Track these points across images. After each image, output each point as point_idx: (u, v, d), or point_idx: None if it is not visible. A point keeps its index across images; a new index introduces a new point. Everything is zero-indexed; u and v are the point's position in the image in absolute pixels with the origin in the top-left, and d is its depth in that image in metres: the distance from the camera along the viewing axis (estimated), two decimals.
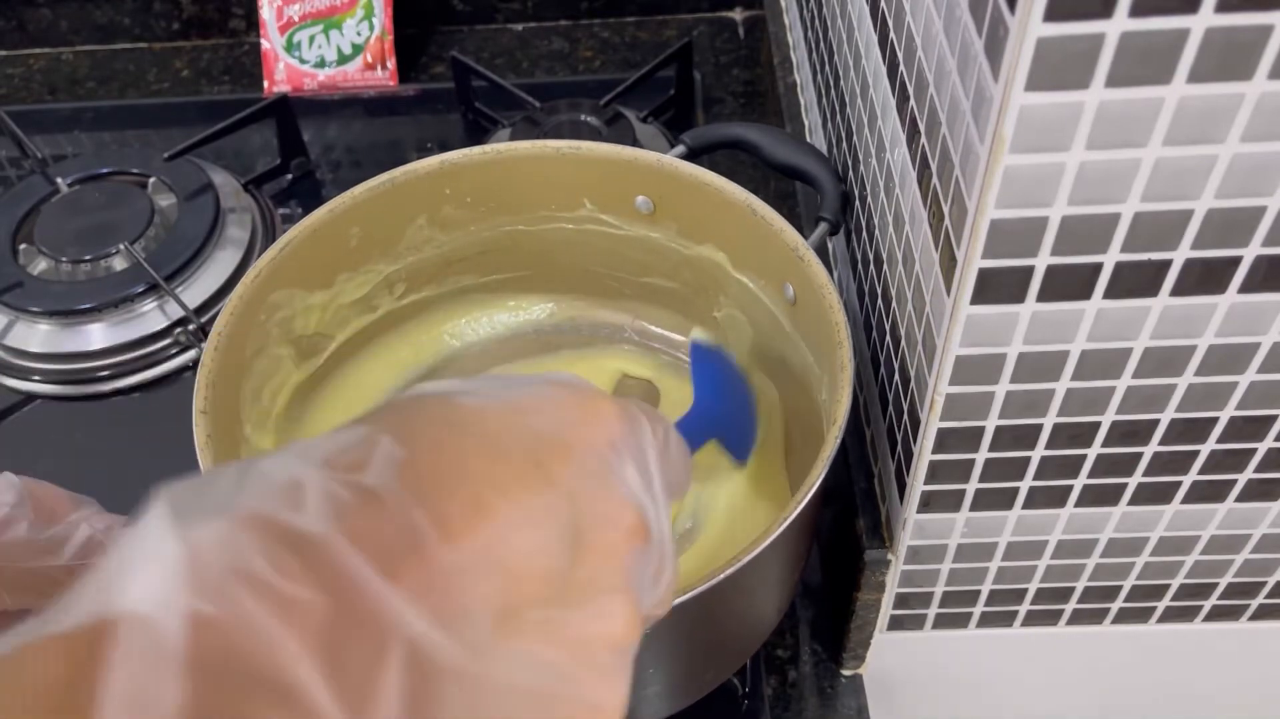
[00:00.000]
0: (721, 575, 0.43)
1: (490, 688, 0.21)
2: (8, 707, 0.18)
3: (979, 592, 0.55)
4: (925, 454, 0.46)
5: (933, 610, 0.57)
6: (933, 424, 0.44)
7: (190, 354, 0.75)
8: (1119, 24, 0.30)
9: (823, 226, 0.58)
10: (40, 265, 0.78)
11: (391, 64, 0.97)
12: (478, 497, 0.22)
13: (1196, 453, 0.46)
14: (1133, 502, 0.48)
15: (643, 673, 0.49)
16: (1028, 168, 0.34)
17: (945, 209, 0.40)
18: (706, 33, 1.02)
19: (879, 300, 0.54)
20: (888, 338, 0.52)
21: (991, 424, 0.44)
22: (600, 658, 0.25)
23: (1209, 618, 0.57)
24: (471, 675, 0.21)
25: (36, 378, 0.75)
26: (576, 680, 0.24)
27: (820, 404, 0.55)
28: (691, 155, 0.62)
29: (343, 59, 0.97)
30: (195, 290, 0.77)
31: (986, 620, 0.57)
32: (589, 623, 0.24)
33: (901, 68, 0.47)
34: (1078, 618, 0.57)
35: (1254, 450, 0.46)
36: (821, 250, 0.57)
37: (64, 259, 0.77)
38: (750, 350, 0.64)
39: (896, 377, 0.50)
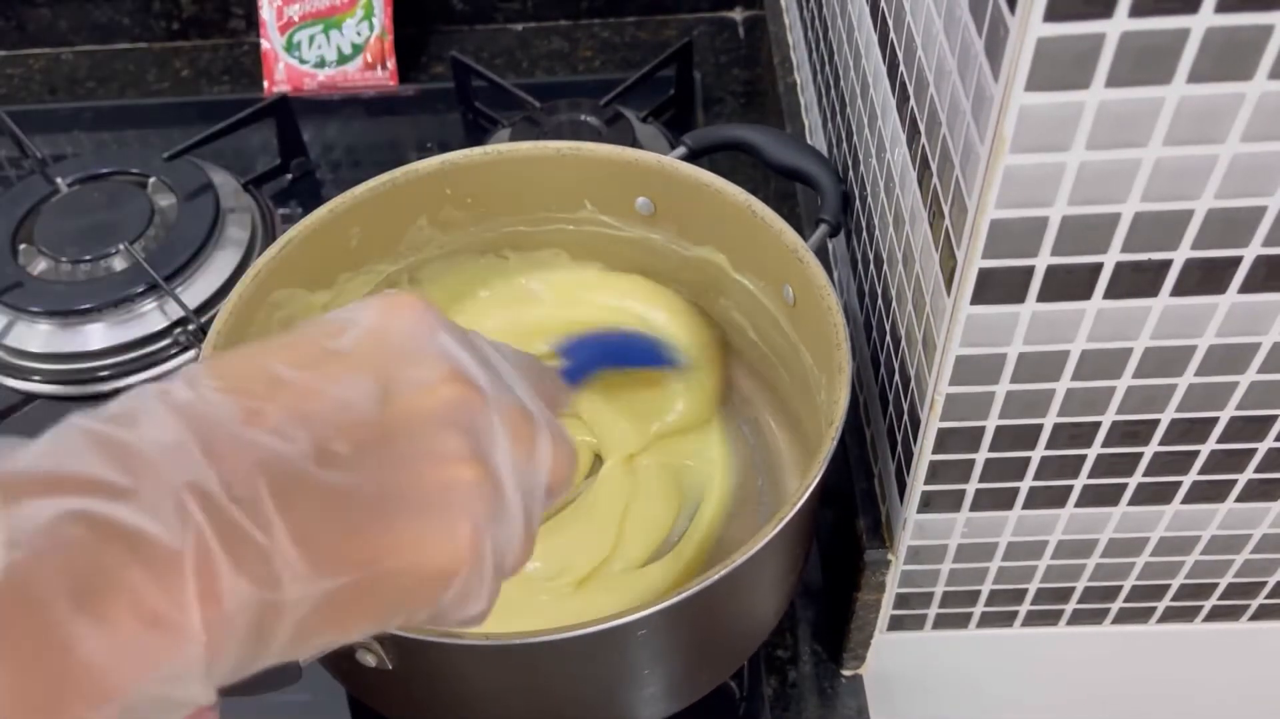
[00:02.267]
0: (715, 577, 0.43)
1: (331, 493, 0.26)
2: None
3: (979, 592, 0.55)
4: (925, 454, 0.46)
5: (933, 610, 0.57)
6: (933, 424, 0.44)
7: (190, 354, 0.75)
8: (1119, 24, 0.30)
9: (822, 228, 0.58)
10: (40, 265, 0.78)
11: (391, 64, 0.97)
12: (273, 376, 0.27)
13: (1197, 453, 0.46)
14: (1133, 502, 0.48)
15: (637, 674, 0.49)
16: (1028, 168, 0.34)
17: (945, 209, 0.40)
18: (706, 32, 1.02)
19: (879, 300, 0.54)
20: (888, 338, 0.52)
21: (991, 424, 0.44)
22: (432, 496, 0.27)
23: (1209, 618, 0.57)
24: (310, 479, 0.25)
25: (36, 378, 0.75)
26: (404, 500, 0.27)
27: (819, 405, 0.55)
28: (692, 156, 0.62)
29: (343, 59, 0.97)
30: (195, 290, 0.77)
31: (987, 620, 0.57)
32: (416, 457, 0.27)
33: (901, 68, 0.47)
34: (1078, 618, 0.57)
35: (1254, 450, 0.46)
36: (821, 251, 0.57)
37: (64, 259, 0.77)
38: (751, 352, 0.65)
39: (896, 376, 0.50)
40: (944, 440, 0.45)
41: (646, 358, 0.60)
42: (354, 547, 0.26)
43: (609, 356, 0.57)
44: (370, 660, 0.44)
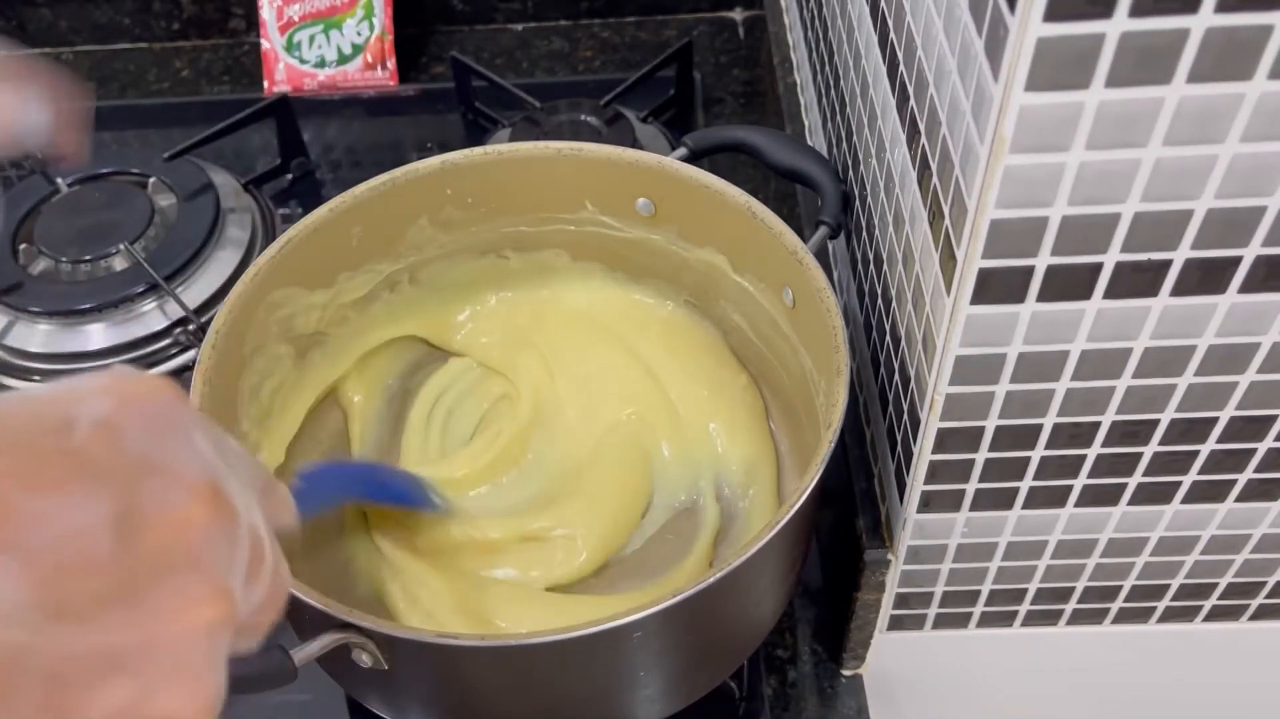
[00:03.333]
0: (710, 581, 0.43)
1: (58, 665, 0.20)
2: None
3: (979, 592, 0.55)
4: (925, 454, 0.46)
5: (933, 610, 0.57)
6: (932, 424, 0.44)
7: (190, 354, 0.75)
8: (1119, 24, 0.30)
9: (822, 230, 0.58)
10: (40, 265, 0.78)
11: (391, 64, 0.97)
12: None
13: (1196, 453, 0.46)
14: (1133, 502, 0.48)
15: (634, 675, 0.49)
16: (1028, 168, 0.34)
17: (945, 209, 0.40)
18: (706, 33, 1.02)
19: (879, 300, 0.54)
20: (888, 338, 0.52)
21: (991, 424, 0.44)
22: (178, 646, 0.23)
23: (1209, 618, 0.57)
24: (33, 654, 0.20)
25: (36, 378, 0.75)
26: (146, 670, 0.22)
27: (819, 408, 0.55)
28: (693, 158, 0.62)
29: (343, 59, 0.97)
30: (195, 290, 0.77)
31: (986, 620, 0.57)
32: (161, 605, 0.23)
33: (901, 67, 0.47)
34: (1078, 618, 0.57)
35: (1254, 450, 0.46)
36: (821, 253, 0.57)
37: (64, 259, 0.77)
38: (751, 354, 0.64)
39: (896, 376, 0.50)
40: (944, 440, 0.45)
41: (400, 496, 0.57)
42: None
43: (354, 487, 0.55)
44: (366, 661, 0.44)
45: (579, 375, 0.65)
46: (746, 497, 0.60)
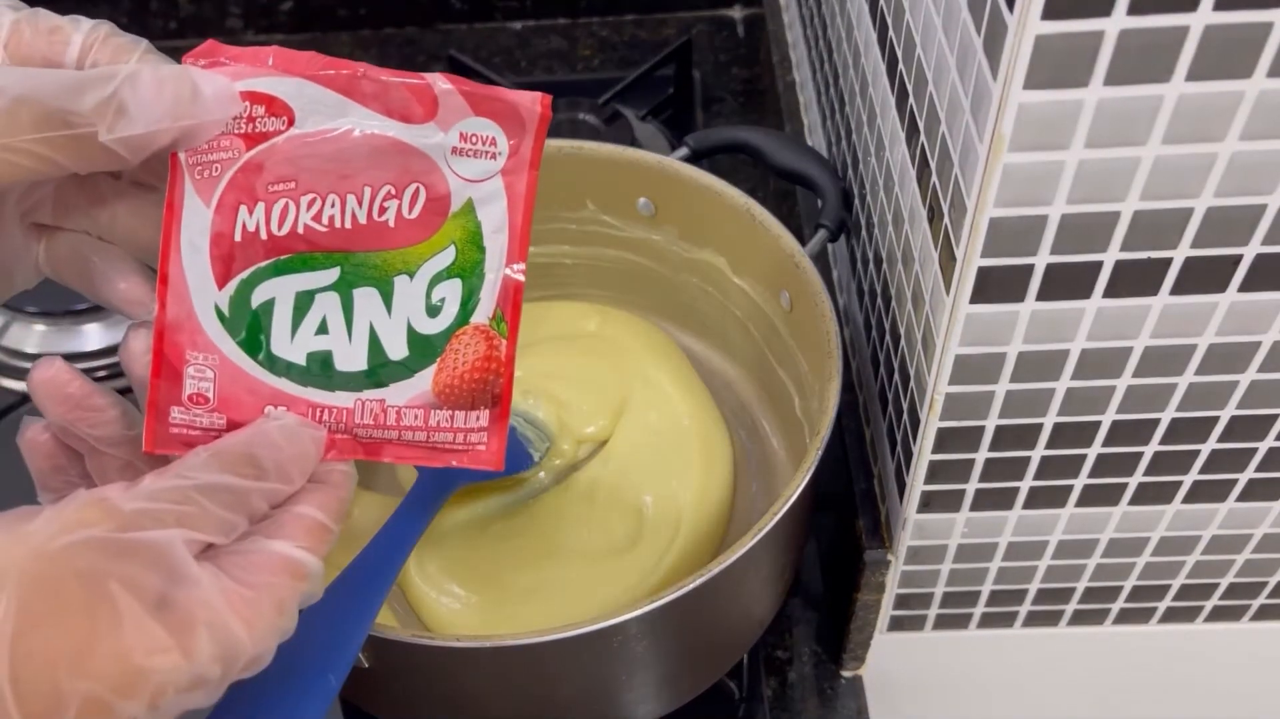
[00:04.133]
0: (684, 589, 0.43)
1: None
2: None
3: (979, 592, 0.55)
4: (925, 454, 0.46)
5: (933, 611, 0.56)
6: (932, 424, 0.44)
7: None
8: (1118, 21, 0.30)
9: (821, 233, 0.58)
10: None
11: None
12: None
13: (1197, 452, 0.46)
14: (1133, 501, 0.48)
15: (617, 677, 0.49)
16: (1027, 166, 0.34)
17: (944, 207, 0.40)
18: (705, 31, 1.02)
19: (879, 299, 0.54)
20: (887, 337, 0.52)
21: (991, 424, 0.44)
22: None
23: (1210, 618, 0.57)
24: None
25: None
26: None
27: (813, 413, 0.55)
28: (694, 158, 0.62)
29: None
30: None
31: (987, 621, 0.57)
32: None
33: (901, 65, 0.46)
34: (1078, 618, 0.57)
35: (1255, 450, 0.46)
36: (820, 255, 0.57)
37: None
38: (751, 356, 0.64)
39: (896, 376, 0.50)
40: (944, 440, 0.45)
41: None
42: None
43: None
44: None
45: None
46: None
